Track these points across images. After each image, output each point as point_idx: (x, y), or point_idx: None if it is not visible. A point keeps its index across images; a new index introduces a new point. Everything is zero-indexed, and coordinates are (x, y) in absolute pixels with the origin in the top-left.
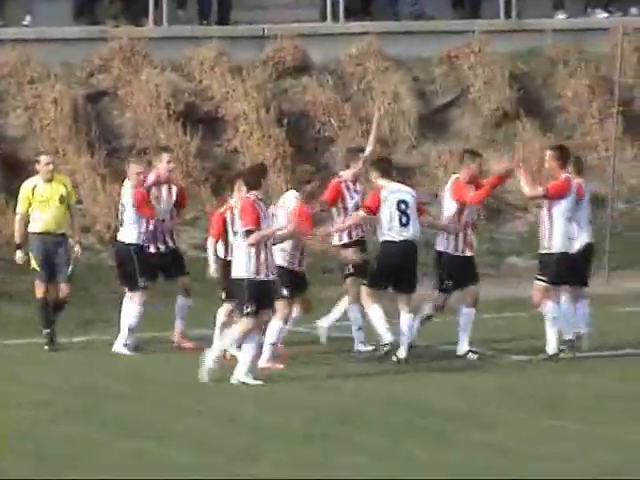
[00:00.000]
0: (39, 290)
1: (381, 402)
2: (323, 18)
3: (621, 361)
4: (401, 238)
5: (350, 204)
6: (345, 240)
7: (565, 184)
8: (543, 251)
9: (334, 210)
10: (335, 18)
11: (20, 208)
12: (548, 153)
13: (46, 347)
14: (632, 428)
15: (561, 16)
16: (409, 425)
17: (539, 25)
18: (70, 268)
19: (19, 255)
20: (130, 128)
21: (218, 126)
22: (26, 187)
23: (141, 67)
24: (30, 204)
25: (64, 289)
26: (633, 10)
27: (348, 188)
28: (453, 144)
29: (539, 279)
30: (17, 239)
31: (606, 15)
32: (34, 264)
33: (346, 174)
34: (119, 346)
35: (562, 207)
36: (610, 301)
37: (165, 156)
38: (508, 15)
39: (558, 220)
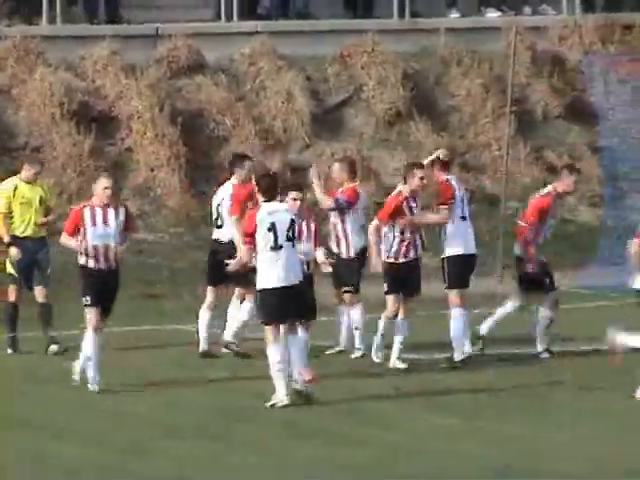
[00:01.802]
0: (12, 294)
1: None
2: (217, 17)
3: (511, 359)
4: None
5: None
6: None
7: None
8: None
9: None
10: (229, 17)
11: (2, 208)
12: (336, 165)
13: (9, 350)
14: (518, 424)
15: (454, 15)
16: (305, 424)
17: (432, 24)
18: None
19: (15, 252)
20: (24, 127)
21: (112, 125)
22: (7, 188)
23: (35, 66)
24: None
25: (43, 292)
26: (526, 9)
27: (409, 204)
28: (346, 143)
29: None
30: (6, 237)
31: (499, 14)
32: (10, 268)
33: (405, 189)
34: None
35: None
36: (504, 300)
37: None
38: (402, 14)
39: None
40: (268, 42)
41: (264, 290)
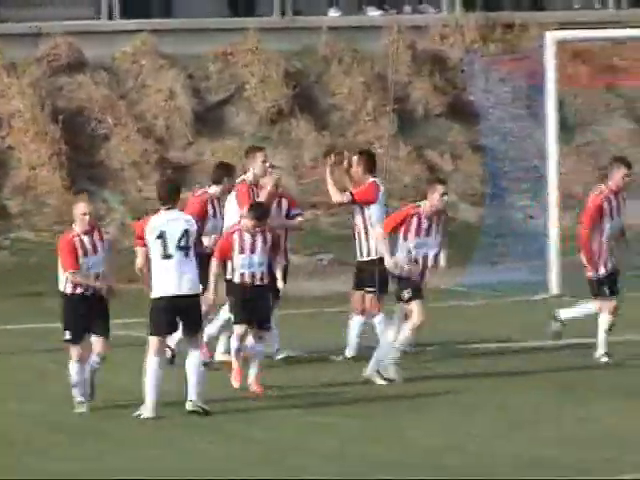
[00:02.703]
0: None
1: (170, 400)
2: (98, 15)
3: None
4: None
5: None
6: None
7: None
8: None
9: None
10: (110, 16)
11: None
12: (354, 158)
13: None
14: (404, 423)
15: (335, 14)
16: (187, 420)
17: (313, 23)
18: None
19: None
20: None
21: None
22: None
23: None
24: None
25: None
26: (406, 8)
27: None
28: (228, 141)
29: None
30: None
31: (380, 13)
32: None
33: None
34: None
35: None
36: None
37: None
38: (283, 12)
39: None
40: (150, 40)
41: (154, 299)
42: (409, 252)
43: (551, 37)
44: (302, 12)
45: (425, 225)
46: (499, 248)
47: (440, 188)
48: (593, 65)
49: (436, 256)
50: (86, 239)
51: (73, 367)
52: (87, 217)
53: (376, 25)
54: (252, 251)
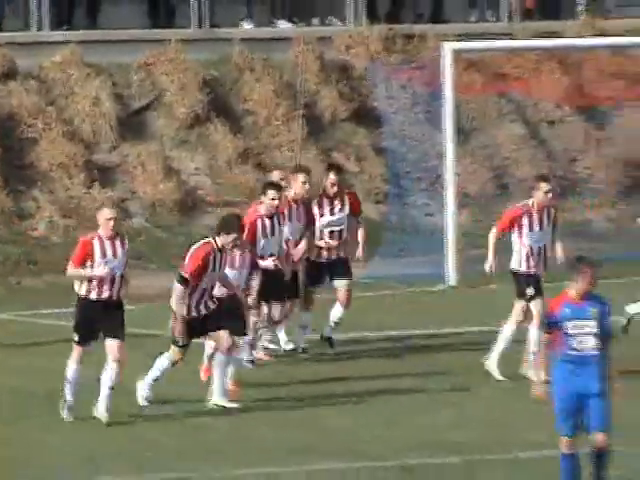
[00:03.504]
0: None
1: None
2: (27, 27)
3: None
4: None
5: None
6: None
7: None
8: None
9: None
10: (40, 27)
11: None
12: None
13: None
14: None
15: (248, 26)
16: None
17: (228, 34)
18: None
19: None
20: None
21: None
22: None
23: None
24: None
25: None
26: (315, 20)
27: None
28: (150, 145)
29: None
30: None
31: (290, 25)
32: None
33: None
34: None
35: None
36: None
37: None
38: (201, 24)
39: None
40: (77, 50)
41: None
42: (529, 247)
43: (448, 47)
44: (218, 24)
45: (536, 220)
46: (401, 243)
47: (544, 186)
48: (487, 73)
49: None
50: (107, 243)
51: (71, 366)
52: (112, 222)
53: (286, 36)
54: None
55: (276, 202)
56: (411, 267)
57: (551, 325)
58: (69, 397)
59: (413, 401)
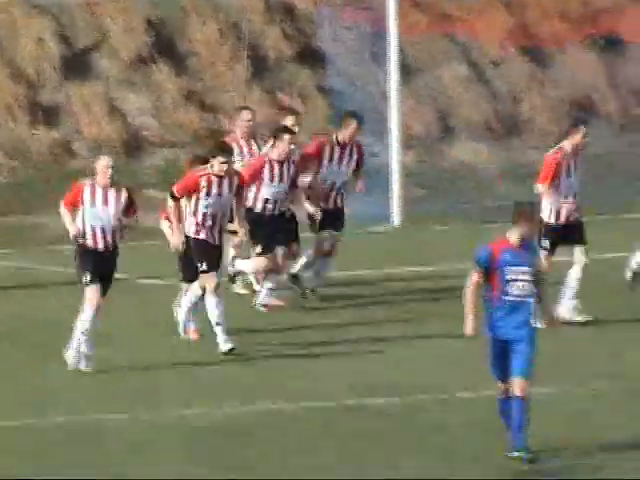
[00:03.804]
0: None
1: None
2: None
3: None
4: None
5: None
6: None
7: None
8: None
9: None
10: None
11: None
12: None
13: None
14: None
15: None
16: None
17: None
18: None
19: None
20: None
21: None
22: None
23: None
24: None
25: None
26: None
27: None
28: (94, 85)
29: None
30: None
31: None
32: None
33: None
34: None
35: None
36: None
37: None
38: None
39: None
40: None
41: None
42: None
43: None
44: None
45: (566, 166)
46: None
47: (583, 128)
48: (431, 14)
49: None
50: (100, 191)
51: (88, 317)
52: (110, 170)
53: None
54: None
55: (291, 146)
56: (356, 206)
57: (487, 268)
58: (90, 352)
59: (356, 345)
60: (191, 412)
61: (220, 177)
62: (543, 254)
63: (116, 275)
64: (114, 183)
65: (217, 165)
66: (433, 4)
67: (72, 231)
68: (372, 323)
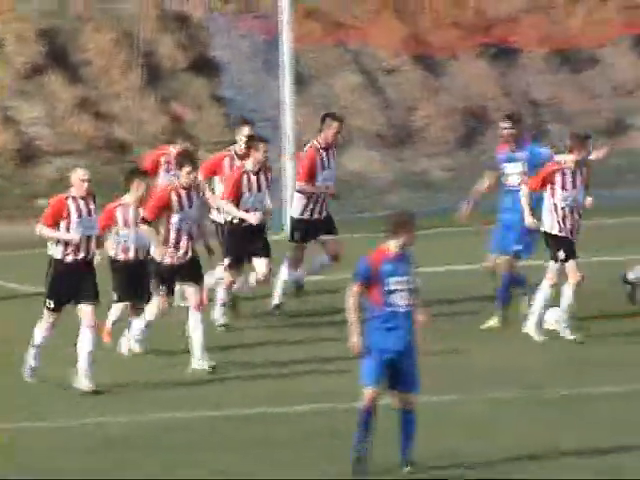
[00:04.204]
0: None
1: None
2: None
3: None
4: None
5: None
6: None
7: None
8: None
9: None
10: None
11: None
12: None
13: None
14: None
15: None
16: None
17: None
18: None
19: None
20: None
21: None
22: None
23: None
24: None
25: None
26: None
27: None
28: None
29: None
30: None
31: None
32: None
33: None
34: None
35: None
36: None
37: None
38: None
39: None
40: None
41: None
42: (561, 208)
43: None
44: None
45: (570, 179)
46: None
47: (588, 143)
48: (325, 23)
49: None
50: (82, 202)
51: (41, 333)
52: (86, 183)
53: None
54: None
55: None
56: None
57: (367, 280)
58: (34, 362)
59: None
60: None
61: (188, 189)
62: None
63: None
64: (89, 192)
65: (184, 176)
66: (326, 13)
67: (75, 235)
68: (272, 327)
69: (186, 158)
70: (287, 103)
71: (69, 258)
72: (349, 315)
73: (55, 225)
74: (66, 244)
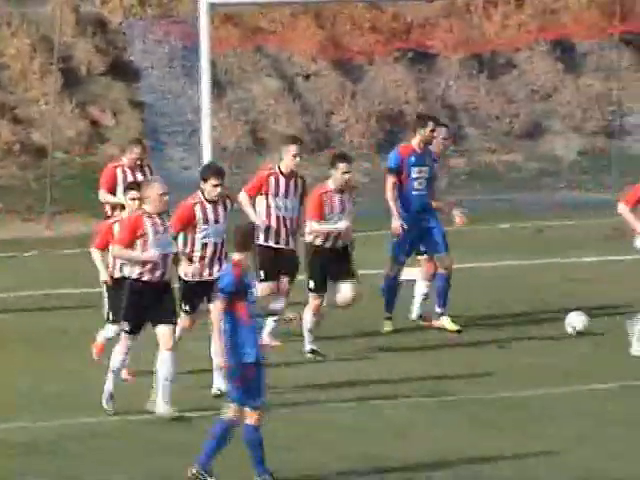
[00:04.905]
0: None
1: None
2: None
3: None
4: None
5: None
6: None
7: None
8: None
9: None
10: None
11: None
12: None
13: None
14: None
15: None
16: None
17: None
18: None
19: None
20: None
21: None
22: None
23: None
24: None
25: None
26: None
27: None
28: None
29: None
30: None
31: None
32: None
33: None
34: None
35: None
36: (55, 245)
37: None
38: None
39: None
40: None
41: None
42: None
43: (204, 2)
44: None
45: None
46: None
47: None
48: (243, 28)
49: None
50: (157, 220)
51: (119, 357)
52: (165, 197)
53: None
54: None
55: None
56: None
57: (233, 293)
58: (112, 387)
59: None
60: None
61: (214, 203)
62: None
63: None
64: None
65: (210, 189)
66: (244, 18)
67: (151, 256)
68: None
69: (213, 171)
70: (205, 108)
71: (145, 278)
72: (217, 337)
73: (131, 245)
74: (143, 264)
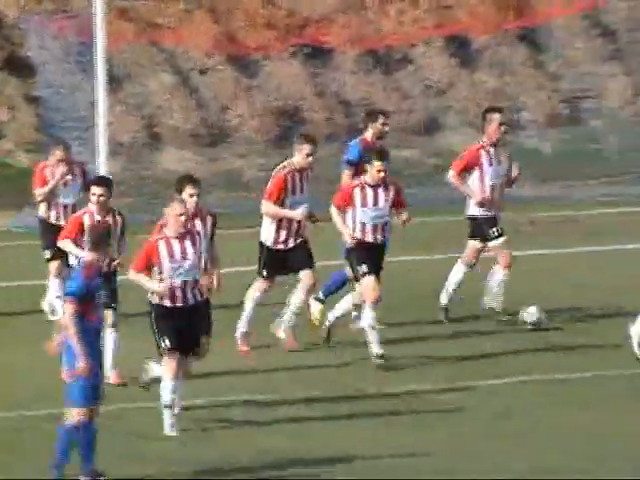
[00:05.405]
0: None
1: None
2: None
3: None
4: None
5: None
6: None
7: None
8: None
9: None
10: None
11: None
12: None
13: None
14: None
15: None
16: None
17: None
18: None
19: None
20: None
21: None
22: None
23: None
24: None
25: None
26: None
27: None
28: None
29: None
30: None
31: None
32: None
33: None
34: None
35: None
36: None
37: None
38: None
39: None
40: None
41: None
42: None
43: None
44: None
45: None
46: None
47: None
48: (138, 23)
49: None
50: (176, 242)
51: (167, 386)
52: (183, 218)
53: None
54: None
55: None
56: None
57: (85, 296)
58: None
59: None
60: None
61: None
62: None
63: None
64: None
65: (187, 199)
66: (139, 13)
67: (162, 288)
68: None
69: (188, 178)
70: (101, 103)
71: (166, 303)
72: (76, 338)
73: (148, 270)
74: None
